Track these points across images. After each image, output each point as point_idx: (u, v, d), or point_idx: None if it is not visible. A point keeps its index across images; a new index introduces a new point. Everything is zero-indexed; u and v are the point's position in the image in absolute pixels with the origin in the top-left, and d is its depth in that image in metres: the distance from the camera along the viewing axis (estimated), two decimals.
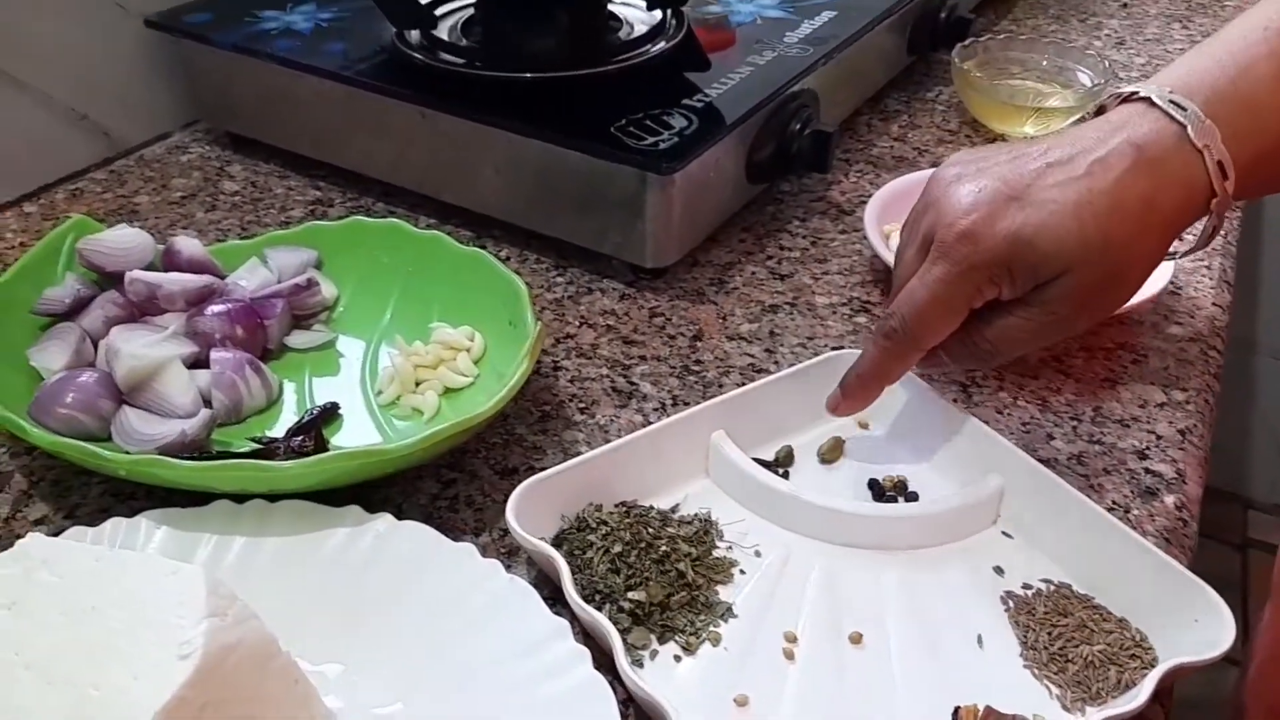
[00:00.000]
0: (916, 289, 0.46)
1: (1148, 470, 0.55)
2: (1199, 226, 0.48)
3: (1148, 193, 0.44)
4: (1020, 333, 0.47)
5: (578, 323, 0.65)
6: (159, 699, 0.33)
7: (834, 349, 0.62)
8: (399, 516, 0.51)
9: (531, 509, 0.48)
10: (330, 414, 0.55)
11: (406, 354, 0.58)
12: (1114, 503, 0.53)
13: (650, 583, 0.46)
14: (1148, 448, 0.56)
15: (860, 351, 0.51)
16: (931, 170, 0.51)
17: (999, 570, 0.49)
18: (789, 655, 0.45)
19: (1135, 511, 0.53)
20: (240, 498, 0.48)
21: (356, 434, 0.55)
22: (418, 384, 0.58)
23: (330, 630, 0.44)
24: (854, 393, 0.51)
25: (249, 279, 0.61)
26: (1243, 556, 1.58)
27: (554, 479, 0.49)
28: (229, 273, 0.62)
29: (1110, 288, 0.46)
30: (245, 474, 0.47)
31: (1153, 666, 0.44)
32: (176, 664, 0.33)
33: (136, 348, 0.54)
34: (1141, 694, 0.40)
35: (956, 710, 0.42)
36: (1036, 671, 0.44)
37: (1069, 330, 0.48)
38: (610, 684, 0.41)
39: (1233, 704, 0.60)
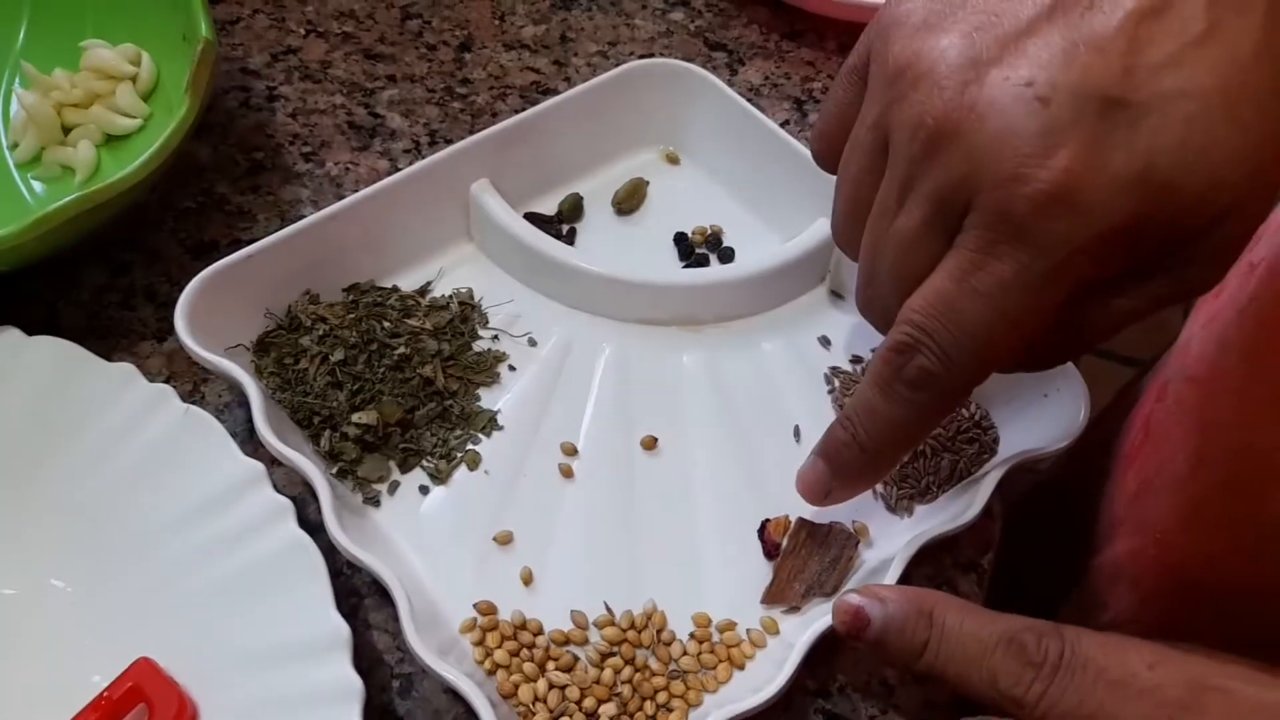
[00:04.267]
0: (963, 303, 0.25)
1: None
2: None
3: None
4: (1130, 317, 0.28)
5: (302, 30, 0.49)
6: None
7: (642, 57, 0.49)
8: (52, 320, 0.38)
9: (220, 308, 0.35)
10: None
11: (45, 89, 0.42)
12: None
13: (384, 398, 0.35)
14: None
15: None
16: None
17: (825, 341, 0.40)
18: (566, 473, 0.36)
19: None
20: None
21: None
22: (66, 131, 0.42)
23: None
24: (857, 472, 0.30)
25: None
26: None
27: (248, 263, 0.36)
28: None
29: (1270, 208, 0.26)
30: None
31: (993, 451, 0.37)
32: None
33: None
34: (977, 500, 0.33)
35: (764, 524, 0.35)
36: None
37: (1201, 291, 0.27)
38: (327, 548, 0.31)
39: (1074, 506, 0.51)
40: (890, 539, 0.35)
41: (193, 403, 0.37)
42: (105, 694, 0.29)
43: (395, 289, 0.39)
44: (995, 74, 0.24)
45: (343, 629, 0.30)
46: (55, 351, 0.34)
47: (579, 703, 0.31)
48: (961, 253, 0.25)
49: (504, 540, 0.34)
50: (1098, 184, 0.24)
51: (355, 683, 0.29)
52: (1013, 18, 0.25)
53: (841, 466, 0.30)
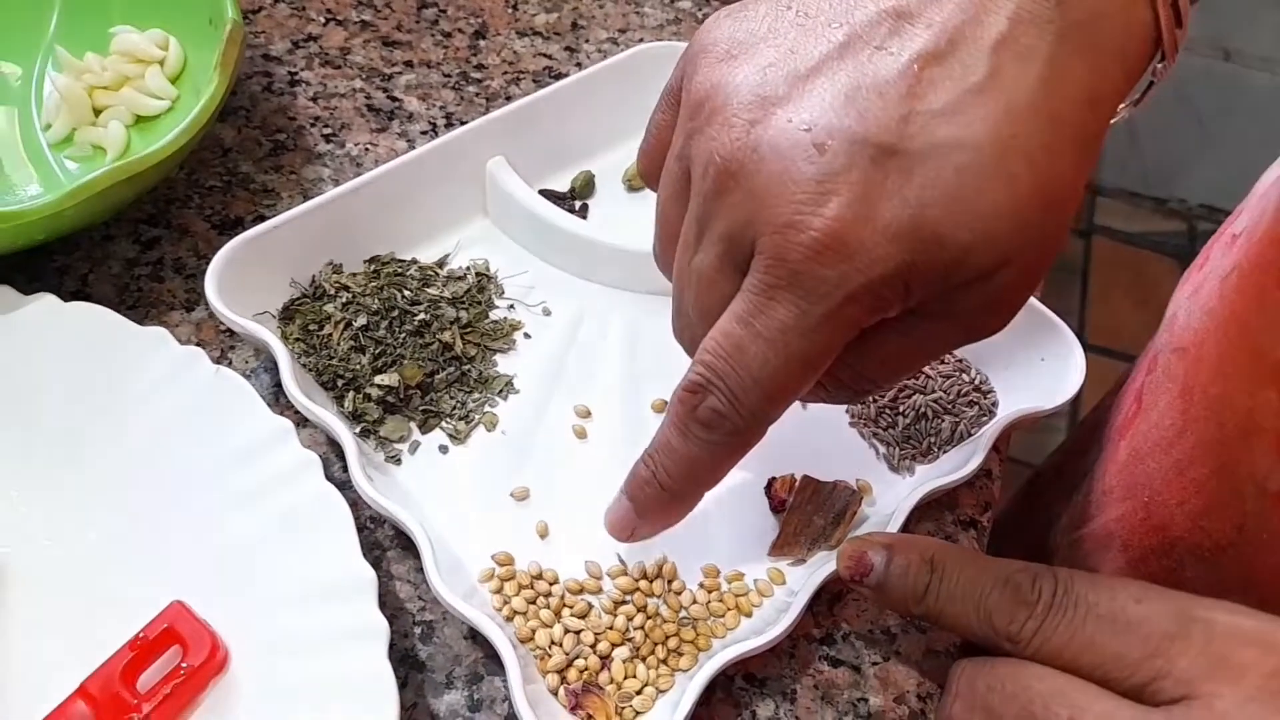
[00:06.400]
0: (748, 345, 0.26)
1: None
2: None
3: (1089, 84, 0.25)
4: (916, 357, 0.29)
5: (322, 19, 0.50)
6: None
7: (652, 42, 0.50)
8: (84, 291, 0.40)
9: (247, 276, 0.37)
10: None
11: (77, 72, 0.43)
12: None
13: (405, 361, 0.37)
14: None
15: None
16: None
17: None
18: (580, 434, 0.37)
19: None
20: None
21: (17, 185, 0.42)
22: (97, 113, 0.43)
23: None
24: (660, 510, 0.30)
25: None
26: (1086, 243, 1.60)
27: (274, 234, 0.37)
28: None
29: (1050, 259, 0.26)
30: None
31: (991, 414, 0.38)
32: None
33: None
34: (977, 454, 0.34)
35: (771, 482, 0.36)
36: (864, 431, 0.38)
37: (985, 335, 0.28)
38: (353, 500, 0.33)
39: (1066, 471, 0.50)
40: (892, 497, 0.36)
41: None
42: (141, 635, 0.30)
43: (414, 261, 0.40)
44: (780, 115, 0.25)
45: (368, 572, 0.31)
46: (89, 316, 0.36)
47: (593, 646, 0.32)
48: (746, 295, 0.26)
49: (521, 496, 0.35)
50: (866, 234, 0.24)
51: (381, 623, 0.30)
52: (805, 55, 0.25)
53: (645, 505, 0.30)
